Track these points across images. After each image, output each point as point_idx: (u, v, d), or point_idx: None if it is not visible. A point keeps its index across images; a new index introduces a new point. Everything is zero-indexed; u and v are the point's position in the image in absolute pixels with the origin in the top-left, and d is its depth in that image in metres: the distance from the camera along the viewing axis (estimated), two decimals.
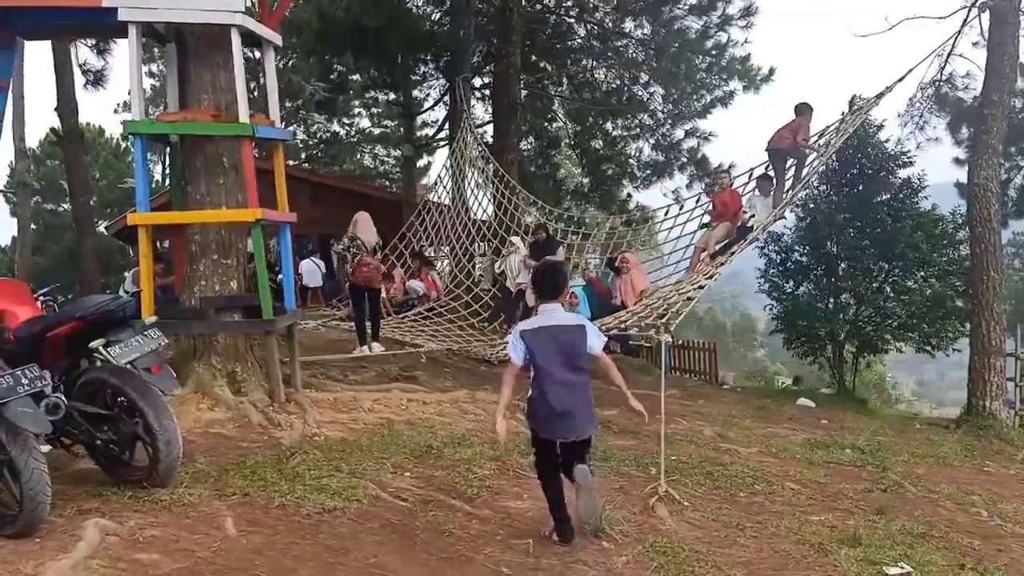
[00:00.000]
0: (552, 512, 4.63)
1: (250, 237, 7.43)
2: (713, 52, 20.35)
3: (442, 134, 22.60)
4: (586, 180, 24.81)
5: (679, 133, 20.14)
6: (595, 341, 4.53)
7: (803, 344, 14.21)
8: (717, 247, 10.67)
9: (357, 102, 31.73)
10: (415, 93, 23.94)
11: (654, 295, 11.38)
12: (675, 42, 20.19)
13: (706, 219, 11.78)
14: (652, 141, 20.66)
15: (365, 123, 33.10)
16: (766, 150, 10.98)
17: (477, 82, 21.20)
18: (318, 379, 8.59)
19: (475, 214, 17.01)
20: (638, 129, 21.82)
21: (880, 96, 10.72)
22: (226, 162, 7.25)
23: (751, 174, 11.80)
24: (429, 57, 21.88)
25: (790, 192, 10.56)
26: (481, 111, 21.89)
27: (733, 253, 9.61)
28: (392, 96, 28.36)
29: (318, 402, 7.27)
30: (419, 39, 20.17)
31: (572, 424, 4.45)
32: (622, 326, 9.04)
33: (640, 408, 4.78)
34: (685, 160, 19.83)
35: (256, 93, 17.08)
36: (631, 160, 22.71)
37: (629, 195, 23.20)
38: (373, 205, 22.28)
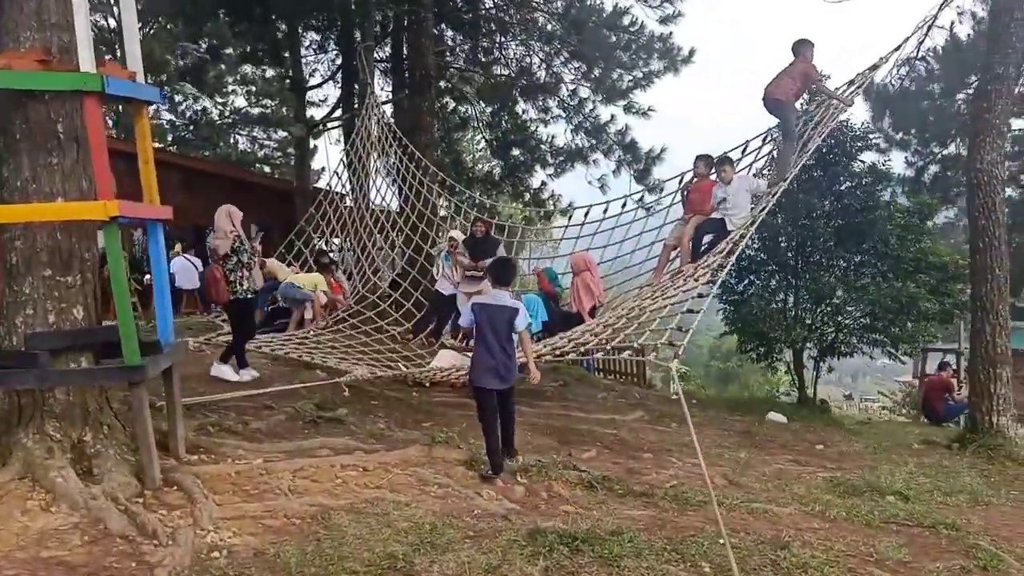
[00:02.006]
0: (489, 450, 6.07)
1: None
2: (631, 29, 18.84)
3: (337, 113, 20.08)
4: (496, 167, 22.94)
5: (604, 114, 18.44)
6: (521, 322, 6.10)
7: (756, 347, 12.83)
8: (695, 247, 8.99)
9: (231, 79, 28.84)
10: (303, 68, 21.28)
11: (621, 303, 9.62)
12: (591, 18, 18.58)
13: (676, 211, 10.05)
14: (573, 124, 18.85)
15: (240, 102, 30.18)
16: (763, 99, 9.28)
17: (378, 54, 18.86)
18: (208, 434, 6.31)
19: (384, 204, 14.80)
20: (552, 111, 20.09)
21: (874, 68, 9.29)
22: (61, 131, 4.91)
23: (745, 146, 10.12)
24: (320, 23, 19.36)
25: (796, 154, 8.88)
26: (381, 87, 19.59)
27: (724, 253, 7.88)
28: (272, 72, 25.65)
29: (213, 481, 5.03)
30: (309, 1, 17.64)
31: (501, 377, 6.02)
32: (604, 346, 7.18)
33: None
34: (613, 143, 18.14)
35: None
36: (543, 145, 20.99)
37: (544, 183, 21.45)
38: (259, 194, 19.86)
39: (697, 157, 9.82)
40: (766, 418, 10.70)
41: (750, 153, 10.15)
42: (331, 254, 16.81)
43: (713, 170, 9.77)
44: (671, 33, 18.47)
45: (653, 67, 18.95)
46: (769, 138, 10.12)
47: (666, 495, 5.83)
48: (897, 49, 9.44)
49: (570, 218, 11.61)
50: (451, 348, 10.26)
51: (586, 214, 11.31)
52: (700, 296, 7.17)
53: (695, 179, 9.95)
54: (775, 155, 9.76)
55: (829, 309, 11.95)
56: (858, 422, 13.24)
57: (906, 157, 18.93)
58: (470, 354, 9.97)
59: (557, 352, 7.68)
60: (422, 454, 5.98)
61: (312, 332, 11.29)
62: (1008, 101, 8.94)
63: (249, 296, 8.52)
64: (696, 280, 7.54)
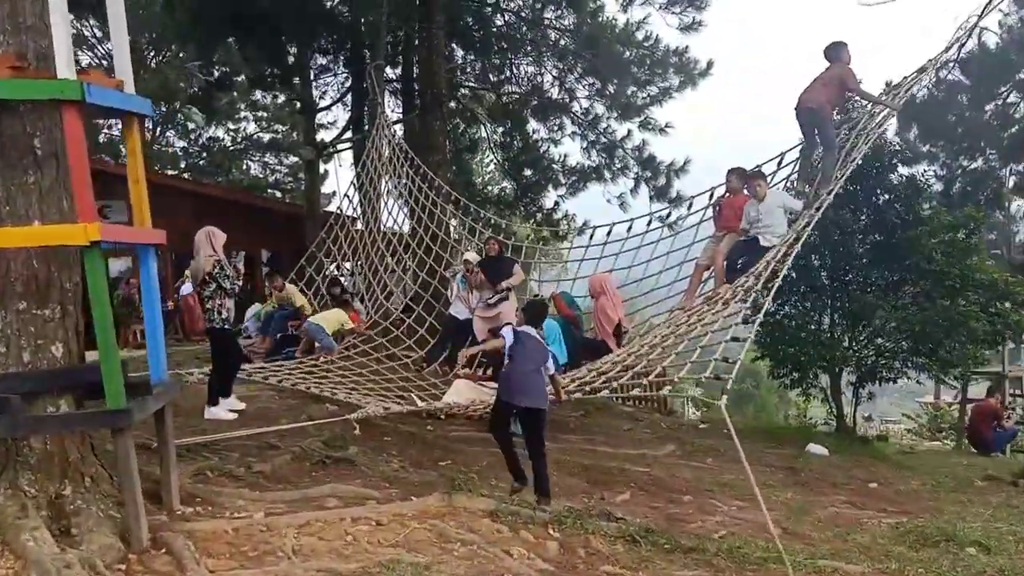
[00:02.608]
0: (505, 454, 6.24)
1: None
2: (646, 44, 18.34)
3: (347, 135, 19.62)
4: (509, 187, 22.44)
5: (621, 130, 17.88)
6: (552, 365, 6.29)
7: (789, 373, 12.12)
8: (730, 268, 8.37)
9: (243, 105, 28.63)
10: (312, 90, 20.84)
11: (651, 329, 8.99)
12: (604, 32, 18.10)
13: (707, 228, 9.41)
14: (588, 141, 18.30)
15: (252, 128, 29.92)
16: (796, 109, 8.66)
17: (388, 74, 18.42)
18: (207, 480, 5.71)
19: (396, 226, 14.26)
20: (566, 129, 19.57)
21: (922, 71, 8.67)
22: (39, 147, 4.36)
23: (781, 159, 9.50)
24: (329, 44, 18.95)
25: (838, 166, 8.24)
26: (392, 107, 19.11)
27: (763, 274, 7.22)
28: (283, 98, 25.36)
29: (208, 540, 4.41)
30: (317, 20, 17.22)
31: (532, 396, 6.01)
32: (640, 381, 6.54)
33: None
34: (631, 161, 17.56)
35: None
36: (555, 165, 20.47)
37: (557, 203, 20.87)
38: (269, 219, 19.40)
39: (729, 171, 9.21)
40: (806, 450, 10.00)
41: (786, 166, 9.53)
42: (342, 279, 16.31)
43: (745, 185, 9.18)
44: (687, 47, 18.01)
45: (670, 82, 18.46)
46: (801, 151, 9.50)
47: (720, 550, 5.16)
48: (946, 50, 8.83)
49: (591, 237, 10.99)
50: (465, 378, 9.60)
51: (608, 232, 10.71)
52: (746, 322, 6.51)
53: (727, 194, 9.33)
54: (807, 169, 9.14)
55: (869, 331, 11.25)
56: (900, 451, 12.49)
57: (935, 171, 18.23)
58: (487, 385, 9.42)
59: (586, 388, 7.04)
60: (442, 504, 5.33)
61: (322, 360, 10.70)
62: None
63: (226, 327, 7.96)
64: (733, 303, 6.92)
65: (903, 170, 11.43)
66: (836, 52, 8.83)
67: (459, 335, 10.81)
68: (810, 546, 5.71)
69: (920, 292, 11.06)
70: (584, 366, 8.41)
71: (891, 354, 11.34)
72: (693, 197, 9.92)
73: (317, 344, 11.06)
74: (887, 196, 11.29)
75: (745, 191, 8.71)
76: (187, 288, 13.24)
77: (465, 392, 9.16)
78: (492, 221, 13.64)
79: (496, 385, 9.27)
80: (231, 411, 8.13)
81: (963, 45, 9.01)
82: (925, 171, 14.13)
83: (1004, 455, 12.79)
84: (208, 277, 7.80)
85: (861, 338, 11.59)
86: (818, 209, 7.73)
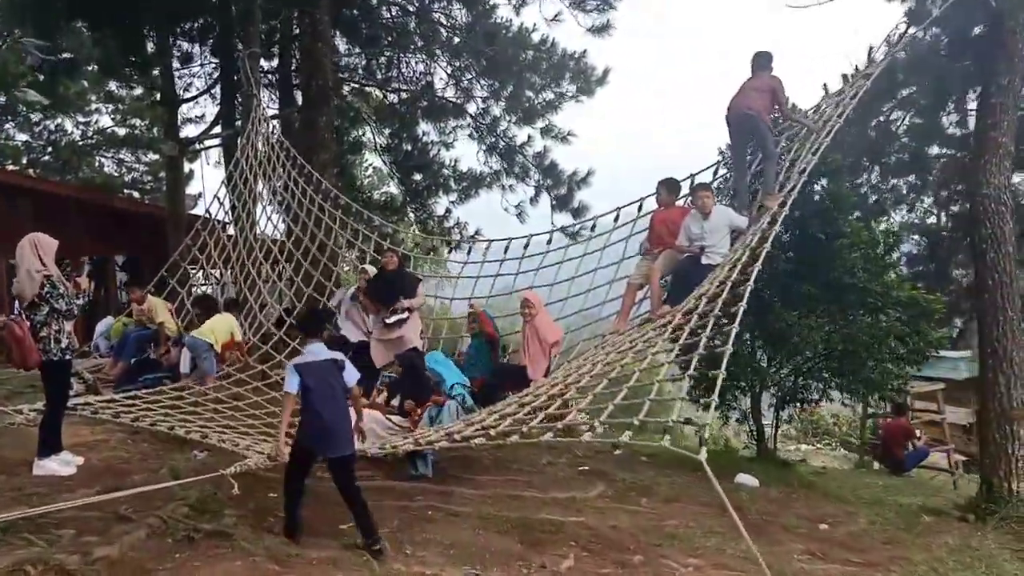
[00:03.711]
0: (287, 508, 5.56)
1: None
2: (542, 48, 17.46)
3: (216, 131, 17.67)
4: (395, 191, 21.06)
5: (521, 135, 16.86)
6: (351, 377, 5.70)
7: (708, 395, 11.38)
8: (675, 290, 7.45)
9: (94, 96, 26.06)
10: (175, 80, 18.74)
11: (578, 356, 7.94)
12: (500, 32, 17.10)
13: (634, 245, 8.46)
14: (485, 145, 17.20)
15: (106, 121, 27.23)
16: (728, 116, 7.88)
17: (263, 64, 16.67)
18: None
19: (275, 232, 12.66)
20: (459, 132, 18.42)
21: (867, 75, 8.03)
22: None
23: (692, 180, 8.67)
24: (195, 29, 17.04)
25: (783, 174, 7.49)
26: (267, 103, 17.35)
27: (723, 299, 6.30)
28: (141, 89, 23.07)
29: None
30: (180, 2, 15.36)
31: (334, 441, 5.43)
32: (555, 425, 5.42)
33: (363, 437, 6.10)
34: (531, 168, 16.56)
35: None
36: (446, 169, 19.29)
37: (448, 210, 19.63)
38: (127, 222, 17.18)
39: (660, 183, 8.32)
40: (737, 481, 9.22)
41: (718, 179, 8.74)
42: (206, 289, 14.45)
43: (681, 198, 8.32)
44: (585, 51, 17.23)
45: (566, 89, 17.64)
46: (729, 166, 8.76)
47: None
48: (867, 73, 8.24)
49: (506, 250, 9.77)
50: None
51: (526, 246, 9.59)
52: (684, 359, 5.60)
53: (659, 207, 8.43)
54: (742, 183, 8.38)
55: (790, 350, 10.63)
56: (813, 472, 11.99)
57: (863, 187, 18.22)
58: (393, 419, 8.12)
59: (490, 433, 5.84)
60: None
61: (194, 387, 9.04)
62: (1015, 117, 7.85)
63: (67, 357, 6.37)
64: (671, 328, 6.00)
65: (823, 183, 10.86)
66: (765, 61, 8.19)
67: (353, 361, 9.38)
68: None
69: (840, 310, 10.54)
70: (506, 398, 7.27)
71: (813, 375, 10.79)
72: (619, 208, 8.95)
73: (185, 366, 9.36)
74: (807, 211, 10.73)
75: (687, 204, 7.83)
76: None
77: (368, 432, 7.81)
78: (389, 230, 12.26)
79: (414, 411, 8.09)
80: (68, 463, 6.51)
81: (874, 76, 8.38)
82: (850, 185, 13.85)
83: (912, 475, 12.59)
84: (37, 299, 6.15)
85: (782, 358, 10.99)
86: (772, 224, 6.89)
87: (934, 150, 18.75)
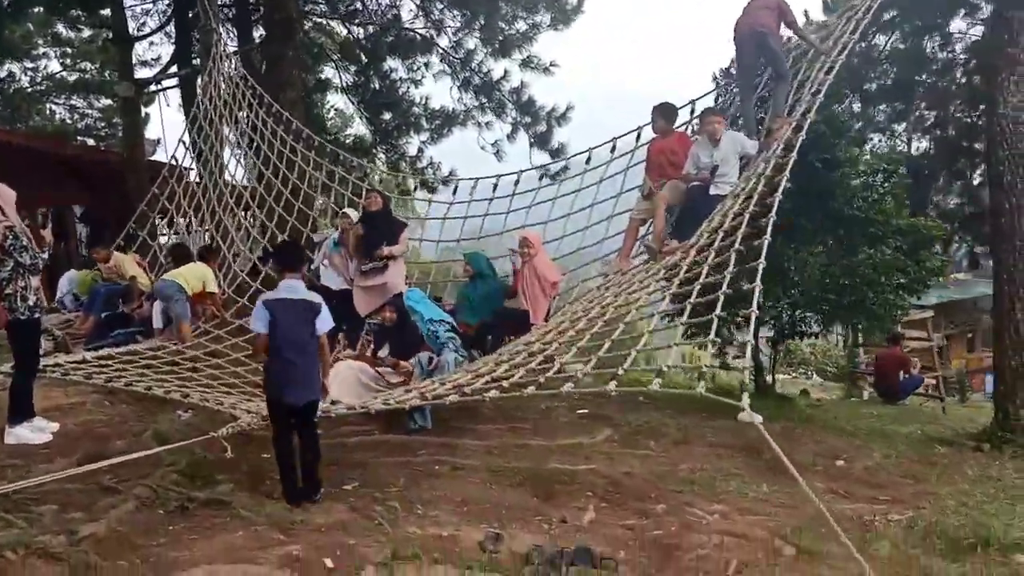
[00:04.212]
0: (282, 474, 5.12)
1: None
2: None
3: (173, 70, 16.67)
4: (365, 132, 20.20)
5: (497, 70, 16.10)
6: (324, 323, 5.27)
7: (705, 331, 11.07)
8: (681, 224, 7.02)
9: (41, 39, 24.78)
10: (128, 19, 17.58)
11: (580, 298, 7.54)
12: None
13: (633, 177, 8.00)
14: (459, 81, 16.44)
15: (55, 66, 25.86)
16: (737, 37, 7.38)
17: None
18: (5, 567, 3.75)
19: (246, 176, 12.00)
20: (430, 67, 17.59)
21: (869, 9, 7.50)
22: None
23: (692, 107, 8.18)
24: None
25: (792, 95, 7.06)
26: (227, 38, 16.35)
27: (721, 233, 5.91)
28: (90, 31, 21.85)
29: None
30: None
31: (300, 389, 5.10)
32: (537, 379, 5.05)
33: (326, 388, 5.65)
34: (508, 105, 15.86)
35: None
36: (416, 108, 18.50)
37: (421, 150, 18.88)
38: (84, 170, 16.21)
39: (655, 109, 7.80)
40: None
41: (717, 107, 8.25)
42: (174, 237, 13.77)
43: (680, 125, 7.85)
44: None
45: (540, 18, 16.83)
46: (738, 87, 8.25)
47: None
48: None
49: (495, 188, 9.22)
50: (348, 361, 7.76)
51: (517, 181, 9.07)
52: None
53: (656, 136, 7.93)
54: (750, 107, 7.89)
55: (790, 284, 10.32)
56: (809, 405, 11.83)
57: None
58: (383, 368, 7.66)
59: (465, 390, 5.42)
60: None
61: (167, 342, 8.52)
62: None
63: (35, 316, 5.86)
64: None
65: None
66: None
67: (336, 310, 8.87)
68: (833, 569, 4.52)
69: (838, 240, 10.22)
70: (505, 343, 6.88)
71: (812, 308, 10.50)
72: (617, 138, 8.42)
73: (157, 321, 8.78)
74: (807, 138, 10.29)
75: (688, 130, 7.36)
76: None
77: (350, 386, 7.35)
78: (367, 171, 11.63)
79: (397, 366, 7.63)
80: (42, 430, 6.02)
81: None
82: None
83: (907, 403, 12.53)
84: (0, 252, 5.58)
85: (781, 292, 10.67)
86: (787, 150, 6.47)
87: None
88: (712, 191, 7.00)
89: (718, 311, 5.17)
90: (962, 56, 17.76)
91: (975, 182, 19.06)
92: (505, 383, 5.29)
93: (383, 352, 7.77)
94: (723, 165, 6.92)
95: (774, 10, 7.51)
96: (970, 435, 8.28)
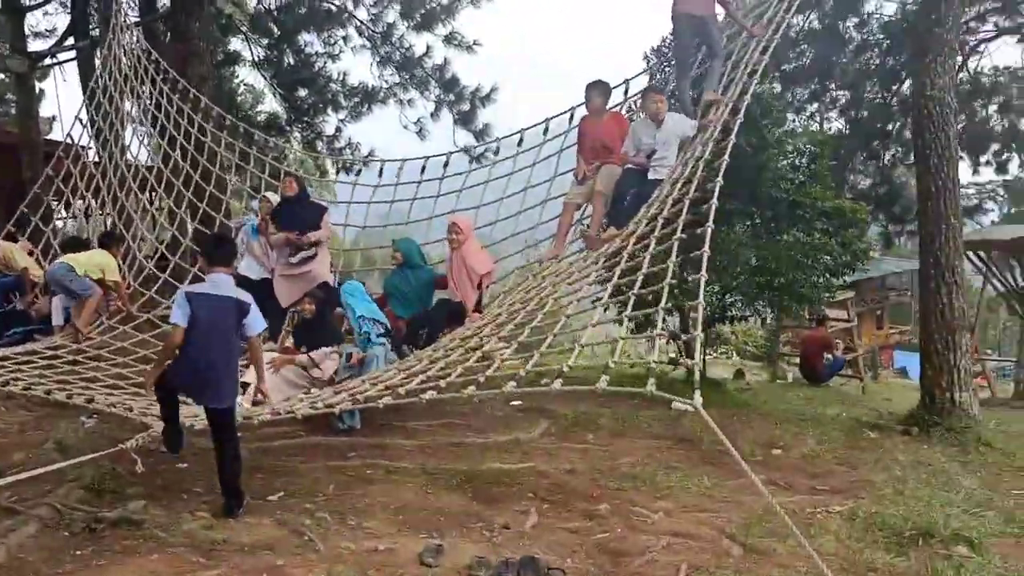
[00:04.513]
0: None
1: None
2: None
3: (69, 43, 15.51)
4: (279, 109, 19.35)
5: (419, 45, 15.55)
6: (255, 324, 4.94)
7: (632, 315, 10.96)
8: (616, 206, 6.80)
9: None
10: None
11: (513, 289, 7.26)
12: None
13: (568, 160, 7.72)
14: (379, 56, 15.84)
15: None
16: (675, 15, 7.18)
17: None
18: None
19: (149, 156, 11.21)
20: (348, 41, 16.91)
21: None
22: None
23: (627, 87, 7.95)
24: None
25: (721, 85, 6.91)
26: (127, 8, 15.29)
27: (661, 220, 5.72)
28: None
29: None
30: None
31: (205, 389, 4.71)
32: (476, 378, 4.77)
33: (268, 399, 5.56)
34: (431, 82, 15.35)
35: None
36: (333, 84, 17.82)
37: (339, 129, 18.18)
38: None
39: (589, 86, 7.47)
40: (672, 407, 8.87)
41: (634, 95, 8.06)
42: (71, 222, 12.88)
43: (615, 105, 7.60)
44: None
45: None
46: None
47: None
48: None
49: (423, 171, 8.76)
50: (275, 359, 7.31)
51: (445, 165, 8.67)
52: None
53: (588, 116, 7.65)
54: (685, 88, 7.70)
55: (719, 267, 10.27)
56: (738, 388, 11.91)
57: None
58: (308, 364, 7.22)
59: (400, 391, 5.10)
60: None
61: (68, 337, 7.87)
62: (960, 11, 7.45)
63: None
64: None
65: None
66: None
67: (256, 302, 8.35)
68: (782, 568, 4.41)
69: (766, 223, 10.22)
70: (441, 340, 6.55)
71: (740, 291, 10.49)
72: (550, 119, 8.13)
73: (57, 317, 8.10)
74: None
75: (622, 110, 7.13)
76: None
77: (274, 384, 6.93)
78: (284, 152, 11.00)
79: (323, 360, 7.22)
80: None
81: None
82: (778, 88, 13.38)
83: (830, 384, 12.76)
84: None
85: (711, 276, 10.63)
86: (726, 133, 6.30)
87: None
88: (651, 175, 6.79)
89: (663, 303, 4.96)
90: (879, 36, 18.11)
91: (887, 163, 19.62)
92: (442, 383, 4.97)
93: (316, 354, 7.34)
94: (662, 148, 6.72)
95: None
96: (898, 419, 8.40)
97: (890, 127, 19.15)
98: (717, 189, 5.61)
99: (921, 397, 8.05)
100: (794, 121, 19.57)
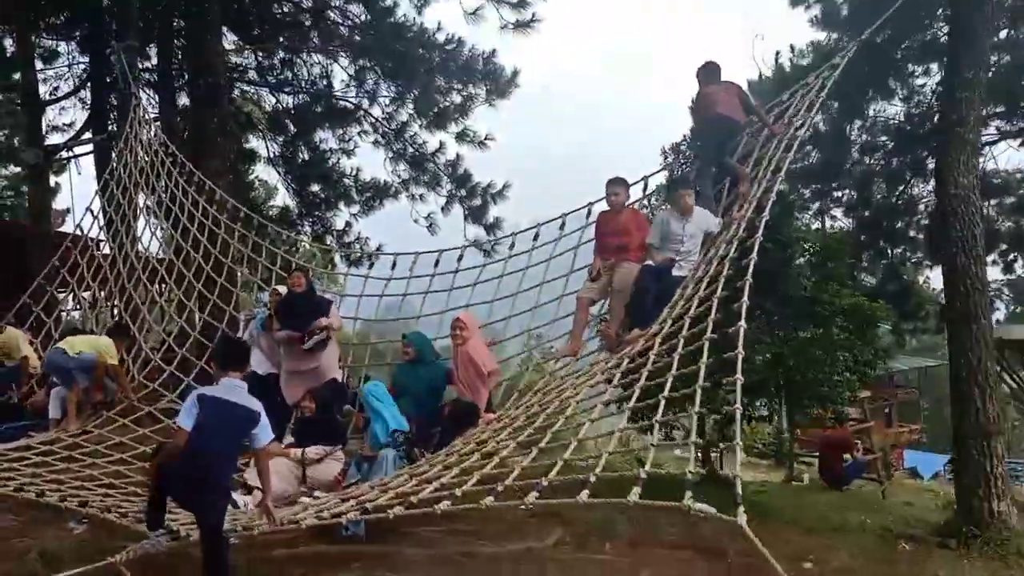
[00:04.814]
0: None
1: None
2: (447, 47, 16.41)
3: (87, 136, 15.74)
4: (290, 203, 19.48)
5: (432, 142, 15.74)
6: (263, 435, 4.70)
7: (650, 416, 10.65)
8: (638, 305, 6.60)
9: None
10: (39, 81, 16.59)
11: (528, 390, 7.01)
12: (400, 35, 15.94)
13: (585, 255, 7.57)
14: (392, 152, 16.02)
15: None
16: (706, 119, 7.19)
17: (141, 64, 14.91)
18: None
19: (160, 248, 11.13)
20: (364, 137, 17.14)
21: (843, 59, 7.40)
22: None
23: (645, 183, 7.88)
24: (61, 22, 15.17)
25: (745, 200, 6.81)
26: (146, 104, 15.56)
27: (688, 320, 5.53)
28: None
29: None
30: None
31: (202, 501, 4.45)
32: (495, 487, 4.52)
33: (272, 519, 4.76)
34: (443, 177, 15.46)
35: None
36: (347, 179, 17.99)
37: (349, 223, 18.22)
38: None
39: (611, 181, 7.38)
40: (694, 508, 8.41)
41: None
42: (74, 313, 12.69)
43: (634, 201, 7.52)
44: (494, 51, 16.26)
45: (474, 90, 16.63)
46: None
47: None
48: (833, 64, 7.63)
49: (436, 264, 8.60)
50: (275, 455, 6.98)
51: (459, 259, 8.51)
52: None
53: (605, 212, 7.52)
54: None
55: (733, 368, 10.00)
56: (754, 491, 11.42)
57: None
58: (322, 468, 6.90)
59: (411, 500, 4.77)
60: None
61: (65, 430, 7.61)
62: (980, 112, 7.43)
63: None
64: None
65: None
66: (717, 73, 7.63)
67: (261, 398, 8.04)
68: None
69: (785, 321, 10.01)
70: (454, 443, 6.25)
71: (759, 392, 10.19)
72: (566, 214, 8.02)
73: (54, 410, 7.84)
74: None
75: (633, 204, 7.06)
76: None
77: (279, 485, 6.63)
78: (296, 244, 10.92)
79: (332, 455, 6.92)
80: None
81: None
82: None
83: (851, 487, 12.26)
84: None
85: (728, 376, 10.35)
86: (751, 231, 6.15)
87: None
88: (675, 271, 6.64)
89: (696, 407, 4.71)
90: (882, 139, 18.32)
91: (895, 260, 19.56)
92: (457, 491, 4.66)
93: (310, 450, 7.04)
94: (689, 241, 6.62)
95: (735, 99, 7.42)
96: (933, 529, 7.94)
97: (898, 225, 19.17)
98: (747, 288, 5.41)
99: (957, 506, 7.62)
100: (799, 219, 19.76)
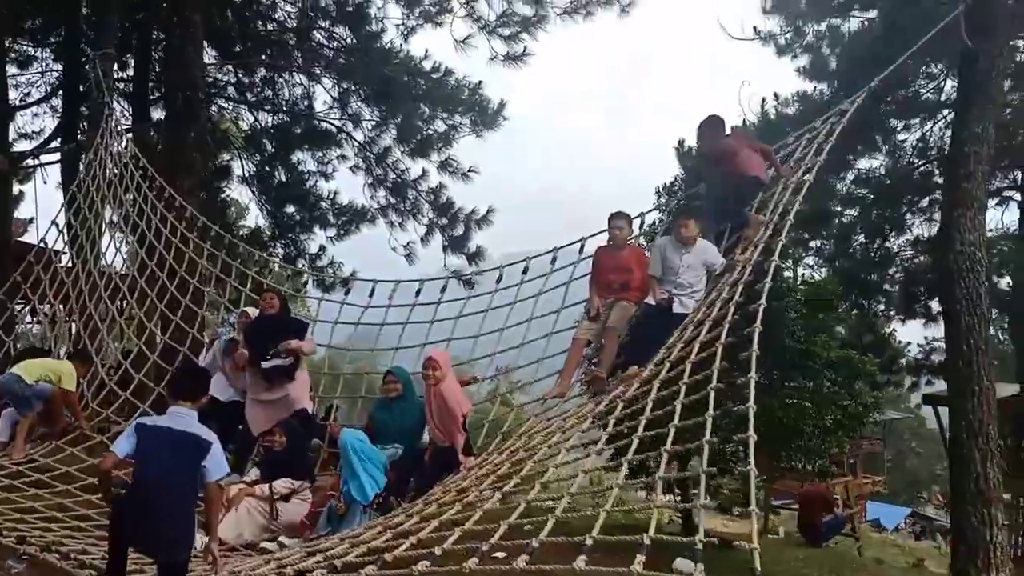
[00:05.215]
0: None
1: None
2: (434, 75, 16.15)
3: (55, 144, 15.15)
4: (263, 223, 18.96)
5: (415, 169, 15.40)
6: (215, 469, 4.22)
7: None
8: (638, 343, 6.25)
9: None
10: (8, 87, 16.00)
11: (515, 431, 6.60)
12: (386, 60, 15.66)
13: (579, 290, 7.23)
14: (372, 177, 15.64)
15: None
16: (736, 176, 6.92)
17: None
18: None
19: (125, 264, 10.59)
20: (345, 160, 16.76)
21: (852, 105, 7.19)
22: None
23: (642, 220, 7.57)
24: (33, 27, 14.69)
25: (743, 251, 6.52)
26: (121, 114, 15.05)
27: (689, 365, 5.19)
28: None
29: None
30: None
31: (155, 538, 4.08)
32: (479, 546, 4.12)
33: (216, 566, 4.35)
34: (424, 205, 15.09)
35: None
36: (323, 202, 17.54)
37: (323, 247, 17.73)
38: None
39: (614, 216, 7.07)
40: (674, 567, 8.00)
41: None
42: (36, 328, 12.08)
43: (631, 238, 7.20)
44: (480, 83, 16.02)
45: (459, 120, 16.34)
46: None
47: None
48: (842, 109, 7.44)
49: (418, 293, 8.17)
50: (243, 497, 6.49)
51: (443, 289, 8.11)
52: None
53: (605, 247, 7.18)
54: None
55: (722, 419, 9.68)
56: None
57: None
58: (290, 508, 6.44)
59: (386, 558, 4.31)
60: None
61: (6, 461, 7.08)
62: (986, 168, 7.26)
63: None
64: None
65: None
66: (723, 126, 7.42)
67: (221, 426, 7.50)
68: None
69: (768, 372, 9.71)
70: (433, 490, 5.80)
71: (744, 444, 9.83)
72: (557, 249, 7.67)
73: (2, 433, 7.35)
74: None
75: (632, 240, 6.78)
76: None
77: (239, 519, 6.19)
78: (269, 265, 10.46)
79: (299, 494, 6.48)
80: None
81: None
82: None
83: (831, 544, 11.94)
84: None
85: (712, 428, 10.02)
86: (760, 274, 5.84)
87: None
88: (676, 308, 6.31)
89: (704, 464, 4.34)
90: (861, 191, 18.41)
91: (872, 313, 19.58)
92: (437, 550, 4.20)
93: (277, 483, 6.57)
94: (690, 273, 6.34)
95: (756, 151, 7.22)
96: None
97: (873, 277, 19.24)
98: (756, 336, 5.07)
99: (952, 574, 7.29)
100: (784, 267, 19.72)
